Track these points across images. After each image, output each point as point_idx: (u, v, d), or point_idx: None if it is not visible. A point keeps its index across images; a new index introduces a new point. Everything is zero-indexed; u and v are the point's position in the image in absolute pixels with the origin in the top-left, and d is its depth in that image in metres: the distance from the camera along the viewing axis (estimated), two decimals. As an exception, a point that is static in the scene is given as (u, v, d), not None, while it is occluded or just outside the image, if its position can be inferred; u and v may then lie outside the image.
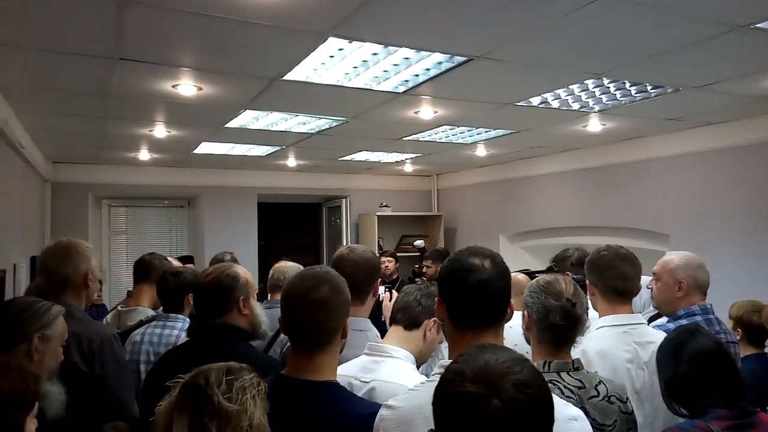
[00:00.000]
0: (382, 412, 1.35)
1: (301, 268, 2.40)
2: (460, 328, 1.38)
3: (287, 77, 3.03)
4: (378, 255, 5.18)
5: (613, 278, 2.20)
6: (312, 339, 1.55)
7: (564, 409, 1.34)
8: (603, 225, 5.33)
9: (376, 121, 4.15)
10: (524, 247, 6.39)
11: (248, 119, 4.07)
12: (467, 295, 1.37)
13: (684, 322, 2.27)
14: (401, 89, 3.31)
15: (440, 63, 2.87)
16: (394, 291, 2.58)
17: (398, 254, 6.71)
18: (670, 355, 1.82)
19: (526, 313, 1.84)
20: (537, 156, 5.96)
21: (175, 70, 2.92)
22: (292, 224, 8.84)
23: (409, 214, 7.40)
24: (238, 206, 6.84)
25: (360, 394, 1.72)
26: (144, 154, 5.55)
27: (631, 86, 3.36)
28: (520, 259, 5.68)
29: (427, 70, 2.97)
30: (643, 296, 2.72)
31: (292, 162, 6.16)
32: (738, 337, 2.66)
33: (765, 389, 2.19)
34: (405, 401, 1.34)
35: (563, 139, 5.01)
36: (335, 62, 2.82)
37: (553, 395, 1.33)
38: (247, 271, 2.11)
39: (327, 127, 4.33)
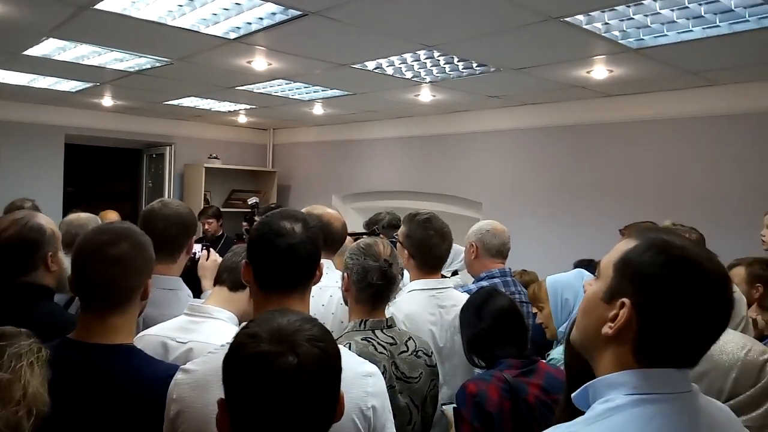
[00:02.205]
0: (178, 375, 1.29)
1: (98, 220, 2.19)
2: (266, 292, 1.35)
3: (99, 6, 2.70)
4: (198, 215, 4.92)
5: (434, 257, 2.34)
6: (107, 298, 1.43)
7: (359, 366, 1.38)
8: (427, 191, 5.62)
9: (205, 66, 3.88)
10: (355, 208, 6.53)
11: (52, 48, 3.57)
12: (275, 259, 1.34)
13: (485, 283, 2.50)
14: (232, 35, 3.12)
15: (274, 14, 2.75)
16: (211, 249, 2.47)
17: (227, 210, 6.46)
18: (473, 313, 2.01)
19: (345, 274, 1.88)
20: (372, 120, 6.07)
21: (-49, -23, 2.44)
22: (108, 171, 8.05)
23: (241, 168, 7.09)
24: (40, 146, 6.00)
25: (175, 355, 1.64)
26: None
27: (458, 62, 3.53)
28: (351, 220, 5.77)
29: (261, 19, 2.84)
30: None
31: (108, 101, 5.56)
32: None
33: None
34: (202, 364, 1.28)
35: (396, 106, 5.15)
36: (157, -4, 2.57)
37: (348, 352, 1.39)
38: (49, 219, 1.88)
39: (149, 66, 3.96)
